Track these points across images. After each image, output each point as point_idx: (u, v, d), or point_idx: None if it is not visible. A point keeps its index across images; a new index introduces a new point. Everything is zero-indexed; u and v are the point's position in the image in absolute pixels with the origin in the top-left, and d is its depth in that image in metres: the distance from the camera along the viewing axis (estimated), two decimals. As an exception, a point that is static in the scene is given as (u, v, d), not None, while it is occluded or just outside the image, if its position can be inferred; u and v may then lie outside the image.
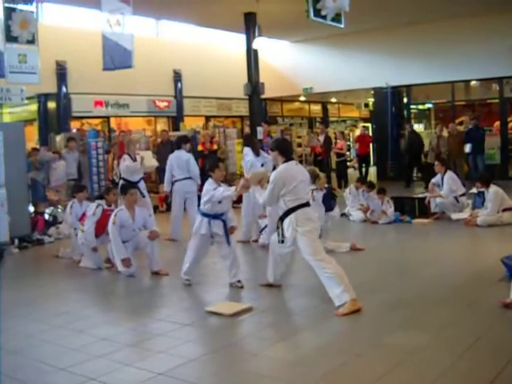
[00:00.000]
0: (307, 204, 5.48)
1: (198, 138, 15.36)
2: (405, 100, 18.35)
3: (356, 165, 18.82)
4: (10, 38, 9.01)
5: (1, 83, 9.83)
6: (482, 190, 9.53)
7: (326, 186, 8.16)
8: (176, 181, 9.37)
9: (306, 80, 19.16)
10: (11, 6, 8.95)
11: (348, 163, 18.23)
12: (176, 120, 18.18)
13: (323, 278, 5.27)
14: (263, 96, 16.15)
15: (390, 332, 4.63)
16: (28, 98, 12.21)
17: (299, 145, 19.59)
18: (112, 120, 17.09)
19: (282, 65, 19.64)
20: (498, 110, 16.83)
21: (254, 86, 15.08)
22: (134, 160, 9.51)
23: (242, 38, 15.78)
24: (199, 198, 7.00)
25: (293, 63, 19.52)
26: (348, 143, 21.78)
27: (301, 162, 16.24)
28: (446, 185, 10.12)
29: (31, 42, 9.18)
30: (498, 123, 16.55)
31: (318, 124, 22.28)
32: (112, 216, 7.04)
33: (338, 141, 17.54)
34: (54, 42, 13.67)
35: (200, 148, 14.91)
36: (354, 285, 5.27)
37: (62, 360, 4.30)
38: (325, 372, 3.89)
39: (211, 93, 18.92)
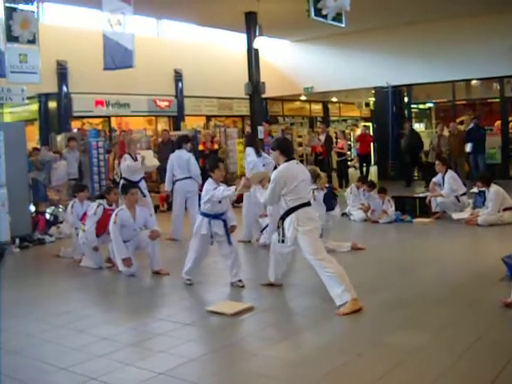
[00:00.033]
0: (308, 203, 5.48)
1: (199, 137, 15.37)
2: (406, 99, 18.35)
3: (357, 164, 18.81)
4: (11, 37, 9.03)
5: (2, 83, 9.85)
6: (483, 189, 9.53)
7: (327, 185, 8.16)
8: (177, 180, 9.38)
9: (306, 79, 19.16)
10: (12, 5, 8.97)
11: (349, 163, 18.22)
12: (177, 120, 18.19)
13: (324, 277, 5.28)
14: (264, 95, 16.14)
15: (391, 332, 4.63)
16: (29, 98, 12.23)
17: (300, 144, 19.60)
18: (113, 120, 17.11)
19: (283, 64, 19.63)
20: (498, 109, 16.83)
21: (254, 85, 15.08)
22: (135, 160, 9.52)
23: (243, 37, 15.77)
24: (200, 197, 7.00)
25: (294, 63, 19.52)
26: (349, 143, 21.76)
27: (302, 161, 16.25)
28: (447, 184, 10.11)
29: (32, 41, 9.19)
30: (498, 122, 16.55)
31: (318, 123, 22.28)
32: (113, 215, 7.05)
33: (338, 140, 17.53)
34: (54, 42, 13.68)
35: (201, 148, 14.92)
36: (355, 284, 5.27)
37: (62, 359, 4.30)
38: (326, 372, 3.89)
39: (212, 92, 18.93)
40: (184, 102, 18.38)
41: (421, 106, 19.80)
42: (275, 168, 5.90)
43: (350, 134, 24.08)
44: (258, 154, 8.81)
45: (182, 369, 4.04)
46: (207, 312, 5.34)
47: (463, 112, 17.47)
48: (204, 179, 6.80)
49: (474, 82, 17.44)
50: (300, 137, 19.93)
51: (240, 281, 6.21)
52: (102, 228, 7.45)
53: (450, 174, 10.30)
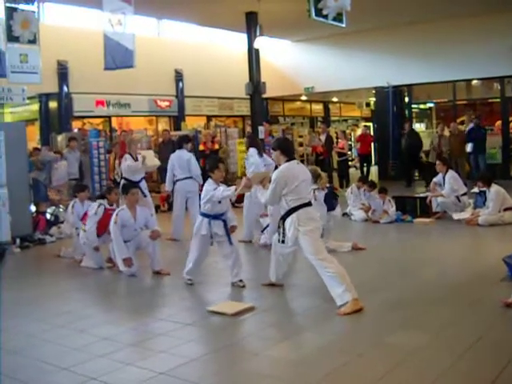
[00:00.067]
0: (309, 203, 5.49)
1: (200, 137, 15.38)
2: (406, 99, 18.35)
3: (357, 164, 18.81)
4: (12, 37, 9.02)
5: (2, 83, 9.84)
6: (484, 189, 9.53)
7: (328, 185, 8.15)
8: (177, 180, 9.39)
9: (307, 79, 19.16)
10: (13, 5, 8.96)
11: (349, 163, 18.21)
12: (177, 119, 18.20)
13: (325, 277, 5.28)
14: (265, 95, 16.16)
15: (391, 332, 4.63)
16: (29, 98, 12.23)
17: (301, 144, 19.62)
18: (113, 120, 17.13)
19: (284, 64, 19.64)
20: (499, 109, 16.83)
21: (255, 85, 15.09)
22: (136, 159, 9.52)
23: (244, 37, 15.78)
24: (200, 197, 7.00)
25: (294, 63, 19.52)
26: (349, 143, 21.76)
27: (302, 161, 16.24)
28: (448, 184, 10.11)
29: (32, 41, 9.18)
30: (499, 122, 16.54)
31: (319, 123, 22.27)
32: (113, 215, 7.05)
33: (339, 140, 17.52)
34: (55, 42, 13.69)
35: (201, 148, 14.93)
36: (356, 284, 5.27)
37: (63, 359, 4.30)
38: (327, 372, 3.89)
39: (213, 92, 18.93)
40: (184, 101, 18.39)
41: (421, 106, 19.79)
42: (276, 168, 5.90)
43: (350, 134, 24.07)
44: (260, 154, 8.84)
45: (182, 369, 4.04)
46: (208, 312, 5.34)
47: (464, 112, 17.45)
48: (204, 179, 6.81)
49: (474, 81, 17.44)
50: (301, 137, 19.95)
51: (241, 281, 6.21)
52: (102, 228, 7.45)
53: (451, 174, 10.30)
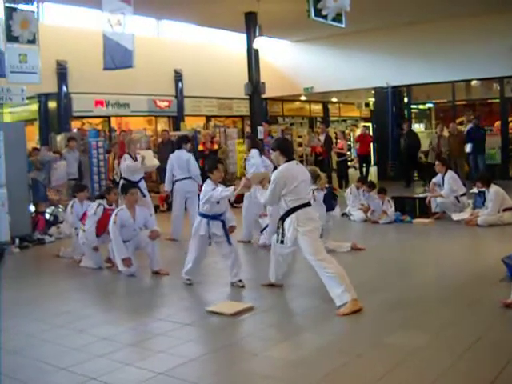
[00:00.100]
0: (308, 204, 5.49)
1: (199, 137, 15.38)
2: (405, 100, 18.35)
3: (357, 165, 18.82)
4: (11, 37, 9.02)
5: (1, 83, 9.84)
6: (483, 189, 9.53)
7: (327, 185, 8.16)
8: (177, 180, 9.39)
9: (306, 80, 19.16)
10: (12, 5, 8.96)
11: (349, 163, 18.22)
12: (177, 120, 18.20)
13: (324, 277, 5.28)
14: (264, 96, 16.15)
15: (391, 332, 4.63)
16: (28, 98, 12.22)
17: (300, 144, 19.61)
18: (113, 120, 17.11)
19: (283, 64, 19.64)
20: (498, 109, 16.84)
21: (254, 85, 15.09)
22: (135, 160, 9.52)
23: (243, 37, 15.78)
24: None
25: (293, 63, 19.52)
26: (349, 143, 21.77)
27: (301, 161, 16.26)
28: (447, 184, 10.11)
29: (32, 41, 9.18)
30: (498, 123, 16.55)
31: (318, 124, 22.28)
32: (113, 215, 7.05)
33: (338, 140, 17.53)
34: (54, 42, 13.68)
35: (201, 148, 14.93)
36: (355, 285, 5.27)
37: (62, 359, 4.30)
38: (326, 372, 3.89)
39: (212, 92, 18.93)
40: (184, 102, 18.39)
41: (421, 107, 19.79)
42: (275, 168, 5.90)
43: (349, 135, 24.08)
44: (260, 155, 8.90)
45: (181, 369, 4.03)
46: (207, 312, 5.34)
47: (463, 112, 17.47)
48: (204, 180, 6.81)
49: (473, 82, 17.45)
50: (300, 137, 19.93)
51: (240, 281, 6.21)
52: (101, 228, 7.45)
53: (450, 174, 10.30)
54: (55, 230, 9.96)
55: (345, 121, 26.38)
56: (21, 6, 9.03)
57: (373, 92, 19.12)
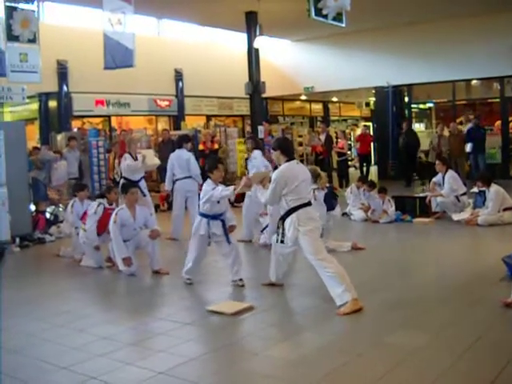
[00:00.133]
0: (309, 203, 5.49)
1: (199, 137, 15.39)
2: (406, 99, 18.36)
3: (357, 164, 18.82)
4: (12, 36, 9.03)
5: (2, 82, 9.84)
6: (483, 189, 9.52)
7: (328, 185, 8.16)
8: (177, 180, 9.39)
9: (307, 79, 19.16)
10: (12, 4, 8.97)
11: (349, 162, 18.22)
12: (177, 119, 18.20)
13: (325, 277, 5.28)
14: (264, 95, 16.17)
15: (391, 332, 4.63)
16: (29, 97, 12.23)
17: (300, 144, 19.62)
18: (113, 119, 17.12)
19: (283, 64, 19.64)
20: (498, 109, 16.85)
21: (255, 85, 15.09)
22: (135, 159, 9.52)
23: (244, 37, 15.78)
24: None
25: (294, 62, 19.52)
26: (349, 142, 21.77)
27: (302, 161, 16.25)
28: (447, 184, 10.11)
29: (32, 41, 9.19)
30: (498, 122, 16.56)
31: (319, 123, 22.26)
32: (113, 215, 7.05)
33: (339, 140, 17.52)
34: (55, 41, 13.67)
35: (201, 147, 14.94)
36: (355, 284, 5.27)
37: (62, 359, 4.30)
38: (326, 372, 3.89)
39: (212, 92, 18.93)
40: (184, 101, 18.39)
41: (421, 106, 19.80)
42: (275, 168, 5.91)
43: (350, 134, 24.07)
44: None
45: (181, 368, 4.04)
46: (207, 311, 5.34)
47: (463, 112, 17.48)
48: (204, 179, 6.81)
49: (474, 81, 17.45)
50: (300, 136, 19.94)
51: (241, 280, 6.20)
52: (102, 227, 7.44)
53: (450, 173, 10.30)
54: (55, 230, 9.96)
55: (345, 120, 26.36)
56: (21, 5, 9.04)
57: (373, 91, 19.13)
